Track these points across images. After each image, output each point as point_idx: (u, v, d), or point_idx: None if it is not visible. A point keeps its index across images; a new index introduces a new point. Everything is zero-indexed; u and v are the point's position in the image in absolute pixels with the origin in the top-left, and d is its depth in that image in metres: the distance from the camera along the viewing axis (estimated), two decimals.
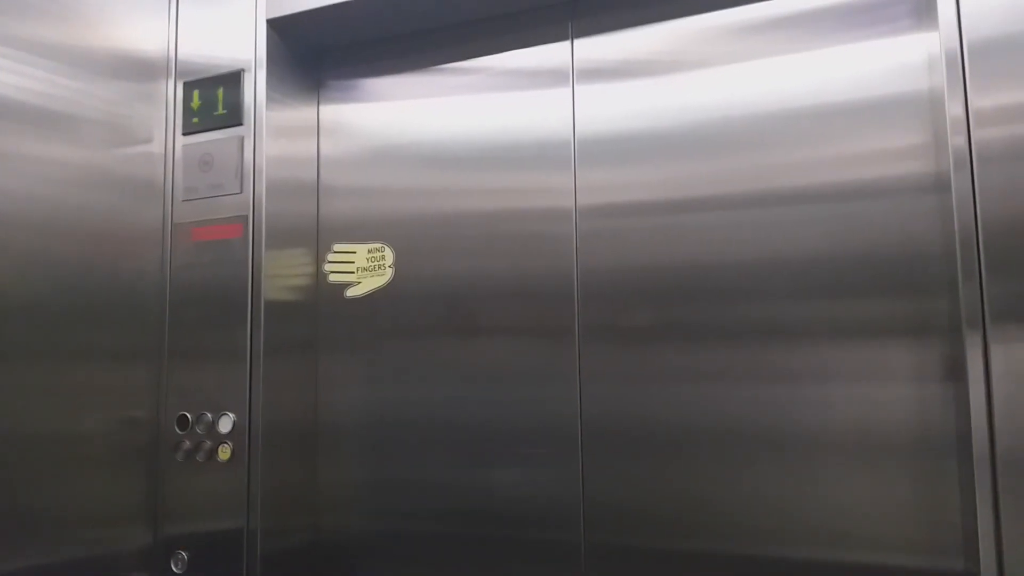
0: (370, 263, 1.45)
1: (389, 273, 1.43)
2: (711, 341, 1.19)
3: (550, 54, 1.35)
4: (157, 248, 1.42)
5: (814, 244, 1.14)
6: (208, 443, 1.34)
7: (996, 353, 0.94)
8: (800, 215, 1.15)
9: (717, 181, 1.21)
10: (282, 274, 1.40)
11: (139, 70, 1.43)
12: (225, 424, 1.33)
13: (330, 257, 1.49)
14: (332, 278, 1.48)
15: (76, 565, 1.26)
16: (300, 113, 1.50)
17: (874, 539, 1.08)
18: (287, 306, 1.41)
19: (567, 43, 1.35)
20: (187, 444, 1.35)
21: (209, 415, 1.35)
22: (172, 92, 1.46)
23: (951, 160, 1.00)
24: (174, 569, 1.33)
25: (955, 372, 1.03)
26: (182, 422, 1.36)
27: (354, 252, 1.47)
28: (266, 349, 1.34)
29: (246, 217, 1.36)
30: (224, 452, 1.32)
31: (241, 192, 1.38)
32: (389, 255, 1.44)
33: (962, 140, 0.99)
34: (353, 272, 1.46)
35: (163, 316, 1.41)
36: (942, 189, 1.05)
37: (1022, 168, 0.96)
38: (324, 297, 1.48)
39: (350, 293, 1.46)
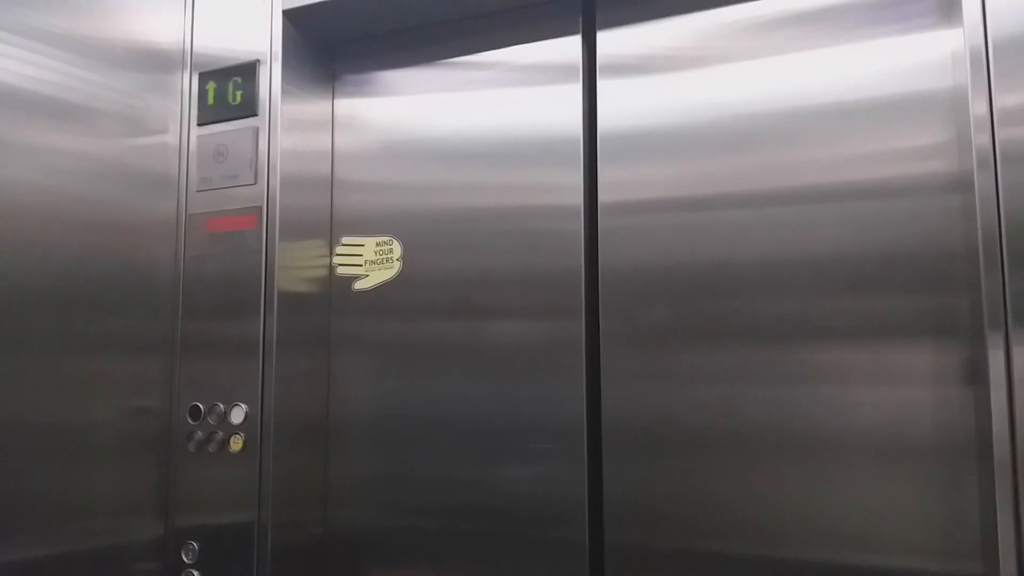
0: (378, 256, 1.45)
1: (397, 266, 1.43)
2: (729, 340, 1.17)
3: (568, 48, 1.34)
4: (171, 239, 1.42)
5: (835, 243, 1.12)
6: (220, 434, 1.33)
7: (1018, 354, 0.93)
8: (822, 213, 1.14)
9: (738, 178, 1.19)
10: (295, 266, 1.40)
11: (155, 61, 1.43)
12: (237, 415, 1.33)
13: (338, 250, 1.49)
14: (340, 271, 1.48)
15: (87, 555, 1.26)
16: (315, 106, 1.49)
17: (892, 542, 1.06)
18: (300, 298, 1.41)
19: (584, 37, 1.33)
20: (199, 434, 1.35)
21: (221, 406, 1.34)
22: (187, 83, 1.46)
23: (974, 159, 0.98)
24: (185, 560, 1.33)
25: (976, 373, 1.01)
26: (194, 412, 1.36)
27: (362, 245, 1.47)
28: (279, 341, 1.33)
29: (260, 208, 1.36)
30: (236, 443, 1.32)
31: (255, 183, 1.37)
32: (397, 248, 1.43)
33: (986, 139, 0.98)
34: (361, 265, 1.46)
35: (176, 306, 1.41)
36: (965, 188, 1.04)
37: None
38: (336, 290, 1.47)
39: (358, 286, 1.46)
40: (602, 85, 1.30)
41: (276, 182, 1.36)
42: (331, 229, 1.49)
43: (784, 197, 1.16)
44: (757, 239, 1.17)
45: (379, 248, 1.45)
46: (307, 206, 1.45)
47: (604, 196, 1.28)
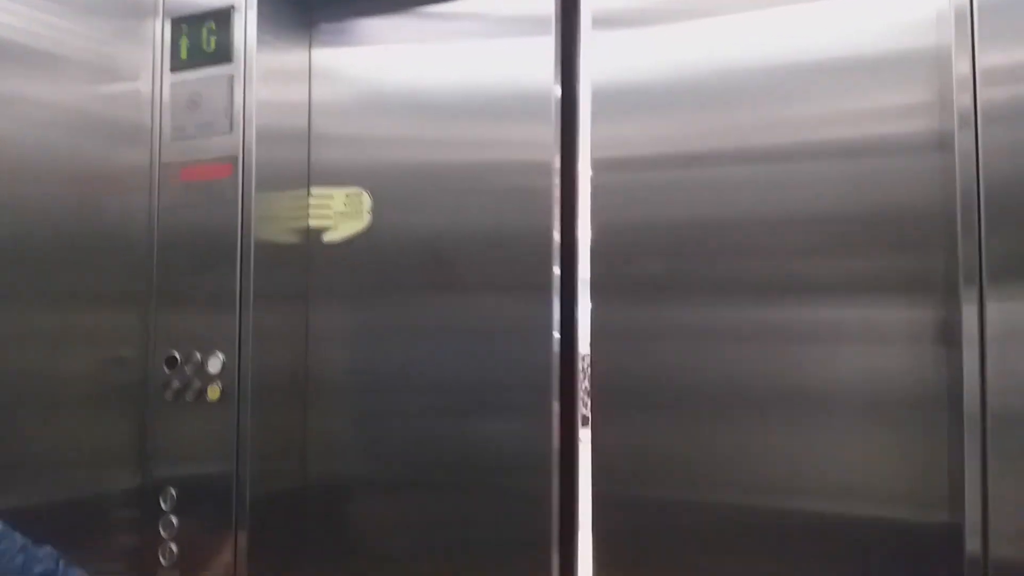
0: (348, 208, 1.43)
1: (367, 219, 1.42)
2: (714, 296, 1.18)
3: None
4: (145, 189, 1.39)
5: (818, 201, 1.12)
6: (197, 383, 1.33)
7: (992, 310, 0.94)
8: (804, 171, 1.14)
9: (725, 134, 1.19)
10: (272, 216, 1.38)
11: (125, 7, 1.39)
12: (214, 364, 1.32)
13: (309, 201, 1.47)
14: (310, 222, 1.46)
15: (64, 505, 1.25)
16: (291, 56, 1.46)
17: (866, 491, 1.09)
18: (278, 249, 1.40)
19: None
20: (176, 383, 1.34)
21: (198, 355, 1.33)
22: (160, 31, 1.42)
23: (955, 118, 0.99)
24: (163, 507, 1.34)
25: (951, 330, 1.03)
26: (171, 362, 1.35)
27: (331, 197, 1.45)
28: (256, 290, 1.32)
29: (236, 158, 1.34)
30: (213, 392, 1.32)
31: (231, 131, 1.34)
32: (367, 200, 1.42)
33: (968, 98, 0.98)
34: (330, 217, 1.45)
35: (151, 257, 1.38)
36: (945, 147, 1.04)
37: None
38: (314, 243, 1.46)
39: (327, 238, 1.45)
40: (594, 37, 1.28)
41: (252, 130, 1.34)
42: (308, 180, 1.47)
43: (765, 155, 1.16)
44: (742, 196, 1.17)
45: (348, 200, 1.43)
46: (284, 156, 1.42)
47: (595, 152, 1.26)
